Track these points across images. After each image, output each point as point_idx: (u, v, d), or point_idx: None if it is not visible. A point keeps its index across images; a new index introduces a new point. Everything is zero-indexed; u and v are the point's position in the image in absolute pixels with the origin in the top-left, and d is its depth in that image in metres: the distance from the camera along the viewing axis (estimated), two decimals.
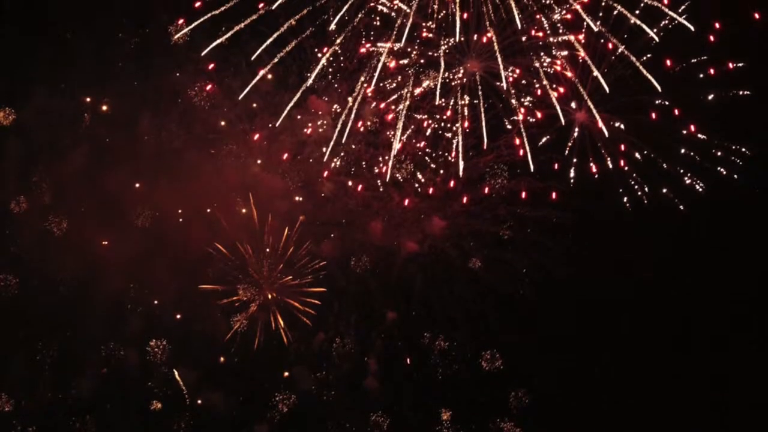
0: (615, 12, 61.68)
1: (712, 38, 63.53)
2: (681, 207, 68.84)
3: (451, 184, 68.28)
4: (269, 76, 64.64)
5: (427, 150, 67.82)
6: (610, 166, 67.29)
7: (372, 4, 61.87)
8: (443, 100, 65.17)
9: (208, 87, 66.03)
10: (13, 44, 63.26)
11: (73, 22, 64.45)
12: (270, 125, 66.56)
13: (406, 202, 69.25)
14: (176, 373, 67.84)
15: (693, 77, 65.43)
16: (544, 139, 67.07)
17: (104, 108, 66.83)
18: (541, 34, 62.57)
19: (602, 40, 62.56)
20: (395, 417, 71.96)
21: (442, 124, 66.62)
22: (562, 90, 64.03)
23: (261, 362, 69.14)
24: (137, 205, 67.33)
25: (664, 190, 68.41)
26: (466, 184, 68.73)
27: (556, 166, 67.97)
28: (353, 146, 67.03)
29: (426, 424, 72.80)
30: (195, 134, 67.29)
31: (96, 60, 65.13)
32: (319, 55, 63.78)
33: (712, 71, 65.48)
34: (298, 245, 69.00)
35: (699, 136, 66.74)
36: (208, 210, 68.42)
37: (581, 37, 62.12)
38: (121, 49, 66.03)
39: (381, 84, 64.61)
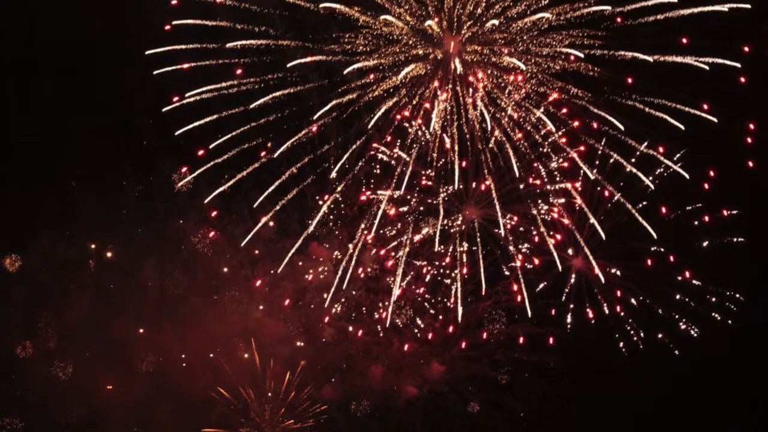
0: (611, 160, 57.01)
1: (706, 186, 58.36)
2: (676, 352, 62.01)
3: (450, 329, 61.75)
4: (271, 223, 58.93)
5: (427, 296, 61.56)
6: (607, 311, 61.35)
7: (372, 153, 57.66)
8: (442, 246, 59.80)
9: (211, 234, 60.38)
10: (18, 192, 58.29)
11: (78, 170, 59.71)
12: (272, 271, 60.46)
13: (406, 347, 62.35)
14: None
15: (688, 224, 60.45)
16: (541, 285, 61.06)
17: (109, 254, 60.97)
18: (538, 182, 58.22)
19: (599, 188, 57.99)
20: None
21: (442, 271, 60.82)
22: (559, 237, 58.76)
23: None
24: (141, 350, 60.82)
25: (660, 335, 61.88)
26: (464, 330, 62.34)
27: (553, 311, 61.79)
28: (354, 292, 61.06)
29: None
30: (198, 280, 61.20)
31: (100, 207, 59.65)
32: (320, 202, 58.63)
33: (706, 218, 60.41)
34: (299, 389, 61.81)
35: (694, 282, 60.94)
36: (211, 355, 61.65)
37: (578, 184, 57.41)
38: (125, 196, 61.07)
39: (381, 231, 59.43)
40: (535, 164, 57.03)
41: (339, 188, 57.89)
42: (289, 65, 54.38)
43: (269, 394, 61.80)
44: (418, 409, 63.08)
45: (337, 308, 61.32)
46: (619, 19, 53.42)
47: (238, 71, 55.02)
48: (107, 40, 57.51)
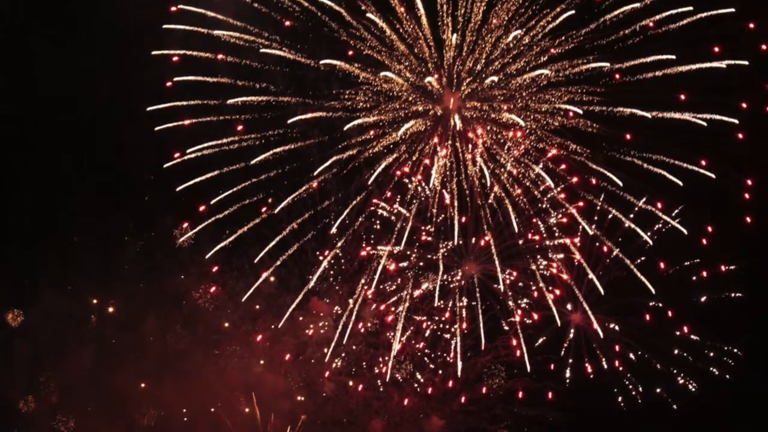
0: (610, 216, 54.73)
1: (704, 241, 55.68)
2: (674, 406, 58.54)
3: (450, 384, 58.40)
4: (272, 279, 56.27)
5: (426, 351, 58.43)
6: (605, 366, 58.12)
7: (372, 209, 55.38)
8: (442, 302, 57.05)
9: (212, 289, 57.53)
10: (20, 247, 56.20)
11: (79, 226, 57.05)
12: (272, 326, 57.56)
13: (406, 401, 58.77)
14: None
15: (686, 279, 57.60)
16: (540, 340, 57.78)
17: (110, 309, 58.22)
18: (537, 237, 55.80)
19: (597, 244, 55.54)
20: None
21: (441, 326, 57.82)
22: (558, 292, 56.10)
23: None
24: (142, 405, 57.55)
25: (658, 390, 58.46)
26: (464, 384, 58.78)
27: (552, 366, 58.44)
28: (354, 347, 58.05)
29: None
30: (199, 335, 58.30)
31: (102, 262, 57.30)
32: (321, 257, 55.99)
33: (704, 274, 57.56)
34: None
35: (692, 337, 57.79)
36: (212, 409, 58.41)
37: (577, 240, 55.07)
38: (127, 251, 58.28)
39: (381, 286, 56.72)
40: (534, 220, 55.08)
41: (339, 244, 55.54)
42: (289, 121, 52.66)
43: None
44: None
45: (338, 363, 58.25)
46: (617, 76, 52.13)
47: (239, 127, 53.18)
48: (108, 97, 55.68)
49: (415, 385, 58.97)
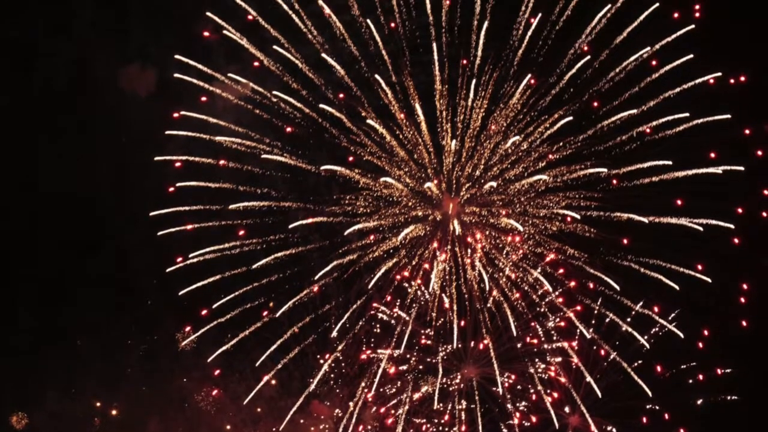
0: (607, 320, 49.59)
1: (701, 345, 50.06)
2: None
3: None
4: (273, 382, 50.70)
5: None
6: None
7: (372, 312, 50.58)
8: (441, 404, 51.67)
9: (214, 392, 52.22)
10: (25, 350, 50.27)
11: (83, 329, 51.67)
12: (274, 429, 51.42)
13: None
14: None
15: (683, 383, 52.01)
16: None
17: (114, 412, 52.36)
18: (535, 341, 50.91)
19: (595, 347, 50.19)
20: None
21: (441, 428, 52.08)
22: (556, 395, 50.91)
23: None
24: None
25: None
26: None
27: None
28: None
29: None
30: None
31: (106, 365, 51.82)
32: (321, 361, 50.88)
33: (701, 377, 52.03)
34: None
35: None
36: None
37: (575, 343, 49.95)
38: (130, 355, 52.98)
39: (381, 389, 51.54)
40: (533, 324, 50.48)
41: (340, 347, 50.77)
42: (290, 226, 48.43)
43: None
44: None
45: None
46: (615, 181, 48.00)
47: (241, 232, 48.56)
48: (111, 202, 51.54)
49: None
